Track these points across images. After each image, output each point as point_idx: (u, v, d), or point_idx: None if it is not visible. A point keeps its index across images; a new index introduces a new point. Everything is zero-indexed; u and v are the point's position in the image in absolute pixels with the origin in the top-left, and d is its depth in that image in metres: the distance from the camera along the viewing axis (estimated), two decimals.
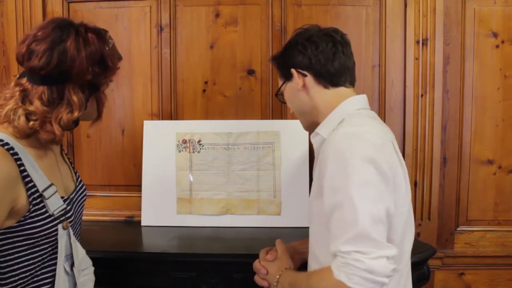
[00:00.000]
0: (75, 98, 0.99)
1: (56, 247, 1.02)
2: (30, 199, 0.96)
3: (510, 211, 2.01)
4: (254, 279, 1.25)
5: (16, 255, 0.98)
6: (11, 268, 0.98)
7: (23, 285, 1.00)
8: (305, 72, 1.14)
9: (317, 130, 1.15)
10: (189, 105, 2.01)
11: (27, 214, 0.96)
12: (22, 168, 0.96)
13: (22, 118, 0.96)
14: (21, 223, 0.96)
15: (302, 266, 1.29)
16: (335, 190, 0.98)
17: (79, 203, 1.18)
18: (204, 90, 2.00)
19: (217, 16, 1.98)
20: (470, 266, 2.01)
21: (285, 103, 1.26)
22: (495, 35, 1.95)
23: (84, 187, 1.23)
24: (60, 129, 0.99)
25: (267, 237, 1.69)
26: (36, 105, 0.97)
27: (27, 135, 0.98)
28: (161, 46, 1.99)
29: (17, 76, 1.03)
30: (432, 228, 1.94)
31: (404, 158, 1.29)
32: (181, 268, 1.51)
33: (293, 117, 1.96)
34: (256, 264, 1.25)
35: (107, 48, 1.05)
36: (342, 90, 1.15)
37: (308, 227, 1.80)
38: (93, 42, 1.02)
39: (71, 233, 1.05)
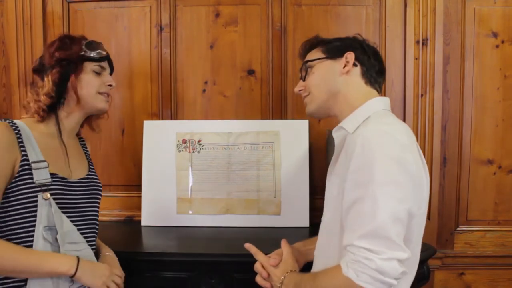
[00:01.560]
0: (47, 79, 1.26)
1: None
2: (21, 164, 1.17)
3: (510, 211, 2.01)
4: (255, 280, 1.24)
5: (5, 212, 1.16)
6: (5, 223, 1.16)
7: (11, 238, 1.16)
8: (358, 64, 1.16)
9: (342, 124, 1.14)
10: (189, 105, 2.01)
11: (17, 175, 1.17)
12: (19, 139, 1.19)
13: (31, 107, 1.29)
14: (13, 183, 1.16)
15: (305, 267, 1.28)
16: (359, 184, 0.97)
17: (83, 192, 1.30)
18: (204, 90, 2.00)
19: (217, 16, 1.98)
20: (470, 266, 2.01)
21: (303, 78, 1.23)
22: (495, 35, 1.96)
23: (94, 181, 1.36)
24: (36, 105, 1.25)
25: (267, 237, 1.69)
26: (29, 94, 1.30)
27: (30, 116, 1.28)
28: (161, 46, 1.99)
29: None
30: (432, 228, 1.94)
31: None
32: (181, 268, 1.51)
33: (293, 117, 1.96)
34: (258, 267, 1.23)
35: (74, 40, 1.30)
36: (374, 92, 1.18)
37: (308, 227, 1.82)
38: (59, 40, 1.30)
39: (53, 204, 1.18)
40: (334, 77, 1.16)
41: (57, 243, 1.17)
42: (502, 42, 1.96)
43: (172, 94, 2.00)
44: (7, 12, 1.99)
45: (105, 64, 1.35)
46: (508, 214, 2.01)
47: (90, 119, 1.41)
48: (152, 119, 2.00)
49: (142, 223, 1.89)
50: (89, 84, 1.30)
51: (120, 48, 2.00)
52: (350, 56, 1.15)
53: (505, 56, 1.96)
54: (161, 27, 1.99)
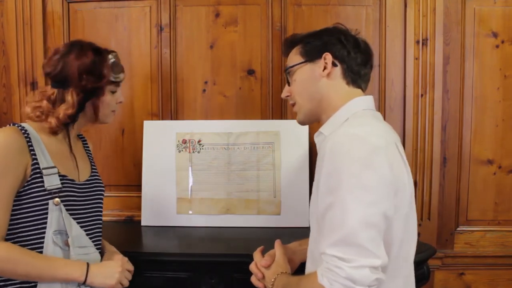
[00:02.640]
0: (70, 99, 1.24)
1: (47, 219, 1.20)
2: (32, 169, 1.19)
3: (510, 211, 2.01)
4: (251, 280, 1.25)
5: (17, 216, 1.18)
6: (12, 227, 1.18)
7: (19, 244, 1.18)
8: (338, 63, 1.12)
9: (321, 129, 1.12)
10: (189, 105, 2.01)
11: (29, 180, 1.18)
12: (29, 144, 1.20)
13: (28, 109, 1.26)
14: (25, 188, 1.18)
15: (300, 266, 1.28)
16: (330, 191, 0.96)
17: (89, 194, 1.33)
18: (204, 90, 2.00)
19: (217, 16, 1.98)
20: (470, 266, 2.01)
21: (288, 83, 1.20)
22: (495, 35, 1.96)
23: (97, 183, 1.37)
24: (56, 121, 1.24)
25: (267, 237, 1.69)
26: (43, 102, 1.25)
27: (30, 118, 1.26)
28: (161, 46, 1.99)
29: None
30: (432, 228, 1.94)
31: None
32: (181, 268, 1.51)
33: (293, 117, 1.96)
34: (253, 267, 1.24)
35: (104, 63, 1.28)
36: (357, 91, 1.14)
37: (307, 227, 1.81)
38: (88, 56, 1.25)
39: (63, 209, 1.21)
40: (315, 82, 1.13)
41: (66, 247, 1.21)
42: (502, 42, 1.96)
43: (172, 94, 2.00)
44: (7, 12, 1.99)
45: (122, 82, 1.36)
46: (508, 214, 2.01)
47: None
48: (152, 119, 2.00)
49: (142, 223, 1.89)
50: (107, 104, 1.33)
51: (120, 48, 1.99)
52: (328, 57, 1.11)
53: (505, 56, 1.96)
54: (161, 27, 1.99)
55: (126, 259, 1.31)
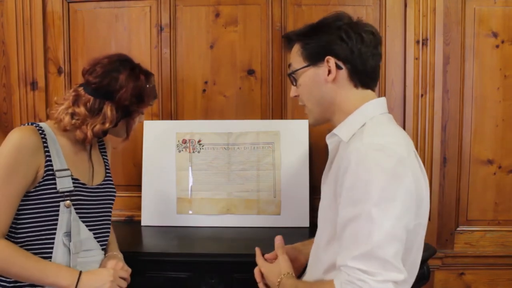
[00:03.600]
0: (109, 114, 1.25)
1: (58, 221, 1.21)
2: (45, 170, 1.19)
3: (510, 211, 2.01)
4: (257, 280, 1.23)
5: (28, 216, 1.18)
6: (22, 226, 1.18)
7: (29, 243, 1.19)
8: (342, 65, 1.04)
9: (335, 131, 1.08)
10: (189, 105, 2.01)
11: (41, 181, 1.19)
12: (45, 145, 1.20)
13: (68, 117, 1.24)
14: (37, 188, 1.18)
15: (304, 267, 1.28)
16: (354, 202, 0.92)
17: (100, 198, 1.34)
18: (204, 90, 2.00)
19: (217, 16, 1.98)
20: (470, 266, 2.01)
21: (294, 84, 1.13)
22: (495, 35, 1.96)
23: (109, 187, 1.39)
24: (91, 133, 1.24)
25: (267, 237, 1.69)
26: (81, 109, 1.24)
27: (66, 130, 1.24)
28: (161, 46, 1.99)
29: (78, 84, 1.30)
30: (432, 228, 1.93)
31: None
32: (181, 268, 1.51)
33: (293, 117, 1.96)
34: (255, 271, 1.22)
35: (148, 87, 1.31)
36: (368, 92, 1.07)
37: (307, 227, 1.82)
38: (141, 80, 1.29)
39: (73, 212, 1.22)
40: (321, 87, 1.06)
41: (74, 249, 1.22)
42: (502, 42, 1.96)
43: (172, 94, 2.00)
44: (7, 12, 1.99)
45: None
46: (508, 214, 2.01)
47: None
48: (152, 119, 2.00)
49: (142, 223, 1.89)
50: (136, 123, 1.37)
51: (120, 48, 1.99)
52: (331, 61, 1.03)
53: (505, 56, 1.96)
54: (161, 27, 1.99)
55: (120, 265, 1.29)
